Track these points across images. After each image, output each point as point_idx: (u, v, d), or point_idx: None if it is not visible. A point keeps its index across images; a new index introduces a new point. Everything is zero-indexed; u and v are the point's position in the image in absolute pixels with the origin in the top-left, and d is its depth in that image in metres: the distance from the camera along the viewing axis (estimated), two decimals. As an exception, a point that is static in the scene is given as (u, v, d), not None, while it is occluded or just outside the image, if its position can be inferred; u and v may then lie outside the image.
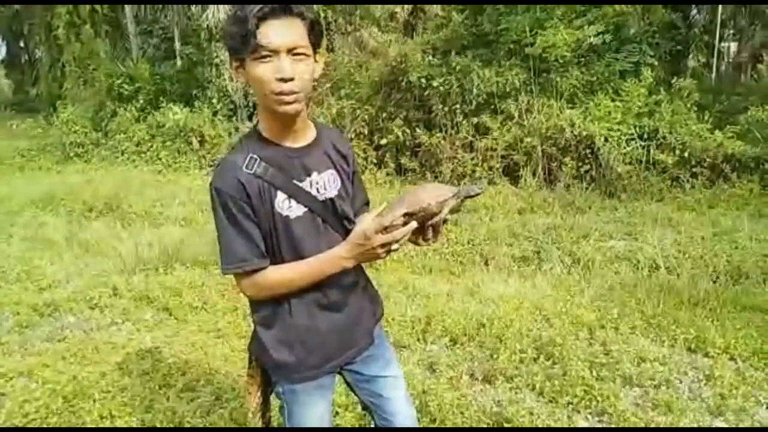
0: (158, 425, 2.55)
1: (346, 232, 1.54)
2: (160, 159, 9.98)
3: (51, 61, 18.36)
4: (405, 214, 1.42)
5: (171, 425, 2.57)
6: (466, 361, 3.12)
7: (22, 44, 25.02)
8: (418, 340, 3.41)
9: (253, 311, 1.61)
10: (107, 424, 2.58)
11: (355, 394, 1.79)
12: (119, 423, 2.58)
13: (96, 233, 6.25)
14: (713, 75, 14.61)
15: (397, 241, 1.43)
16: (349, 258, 1.47)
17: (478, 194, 1.51)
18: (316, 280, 1.49)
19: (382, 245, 1.43)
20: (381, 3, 9.22)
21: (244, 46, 1.35)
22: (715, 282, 4.75)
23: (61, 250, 5.61)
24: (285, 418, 1.63)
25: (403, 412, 1.74)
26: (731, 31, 18.42)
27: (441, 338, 3.37)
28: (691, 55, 16.35)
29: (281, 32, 1.35)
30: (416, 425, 1.80)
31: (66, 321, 3.85)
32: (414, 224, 1.43)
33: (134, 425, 2.56)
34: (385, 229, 1.42)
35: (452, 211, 1.48)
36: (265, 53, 1.35)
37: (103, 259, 5.22)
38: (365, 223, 1.46)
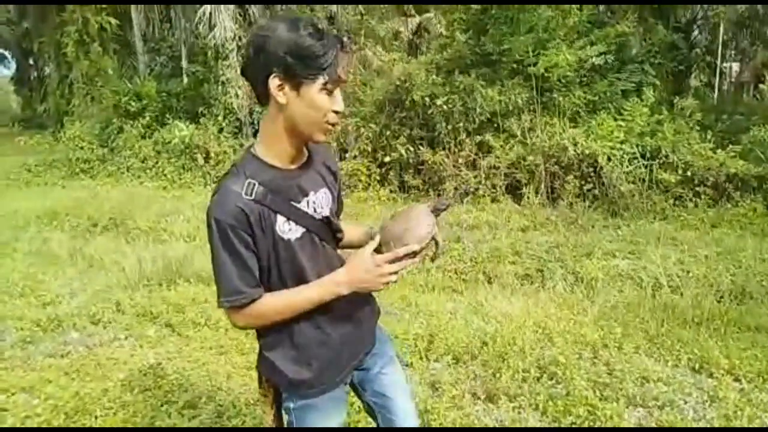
0: (159, 442, 2.55)
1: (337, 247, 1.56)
2: (165, 175, 10.05)
3: (59, 78, 18.61)
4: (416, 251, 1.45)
5: (172, 442, 2.56)
6: (468, 379, 3.11)
7: (31, 61, 25.36)
8: (421, 358, 3.40)
9: (259, 336, 1.58)
10: (108, 440, 2.58)
11: (360, 398, 1.78)
12: (120, 440, 2.57)
13: (100, 248, 6.28)
14: (715, 95, 14.69)
15: (397, 272, 1.45)
16: (347, 286, 1.46)
17: (447, 207, 1.57)
18: (313, 308, 1.47)
19: (384, 275, 1.44)
20: (387, 3, 9.30)
21: (317, 71, 1.32)
22: (719, 301, 4.73)
23: (65, 265, 5.64)
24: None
25: (406, 411, 1.73)
26: (733, 52, 18.56)
27: (444, 356, 3.36)
28: (693, 75, 16.46)
29: (349, 67, 1.37)
30: (417, 423, 1.79)
31: (69, 336, 3.86)
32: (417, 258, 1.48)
33: (135, 442, 2.56)
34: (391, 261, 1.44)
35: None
36: (332, 85, 1.36)
37: (107, 275, 5.24)
38: (367, 252, 1.46)
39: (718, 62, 15.07)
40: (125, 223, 7.34)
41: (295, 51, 1.31)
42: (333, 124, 1.40)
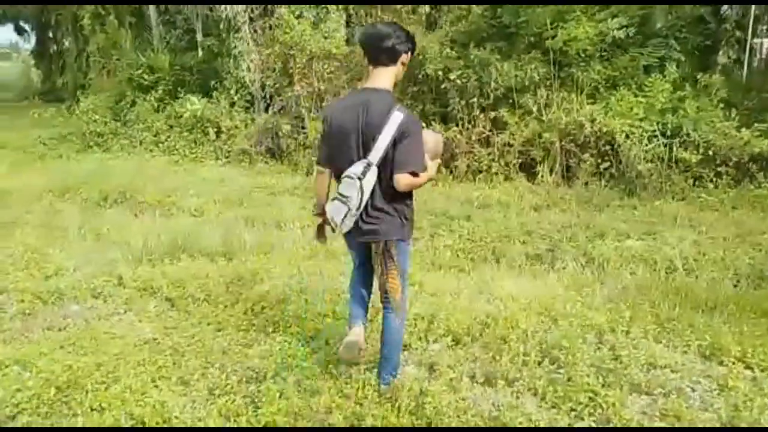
0: (147, 420, 2.51)
1: None
2: (177, 149, 10.01)
3: (77, 52, 18.64)
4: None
5: (159, 420, 2.52)
6: (467, 362, 3.02)
7: (50, 35, 25.40)
8: (420, 339, 3.32)
9: (406, 201, 2.60)
10: (96, 416, 2.55)
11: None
12: (108, 415, 2.54)
13: (108, 222, 6.28)
14: (744, 72, 14.15)
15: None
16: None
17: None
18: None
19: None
20: (388, 3, 9.05)
21: (413, 49, 2.61)
22: (735, 286, 4.57)
23: (73, 238, 5.64)
24: (402, 262, 2.64)
25: None
26: (765, 27, 17.81)
27: (443, 338, 3.27)
28: (721, 51, 15.86)
29: None
30: None
31: (69, 309, 3.85)
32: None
33: (122, 419, 2.53)
34: None
35: None
36: None
37: (113, 248, 5.22)
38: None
39: (749, 38, 14.49)
40: (135, 197, 7.34)
41: (412, 41, 2.62)
42: None
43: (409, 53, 2.57)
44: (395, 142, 2.41)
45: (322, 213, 2.78)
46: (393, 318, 2.68)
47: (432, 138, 2.71)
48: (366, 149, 2.46)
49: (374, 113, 2.44)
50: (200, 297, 3.97)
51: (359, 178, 2.43)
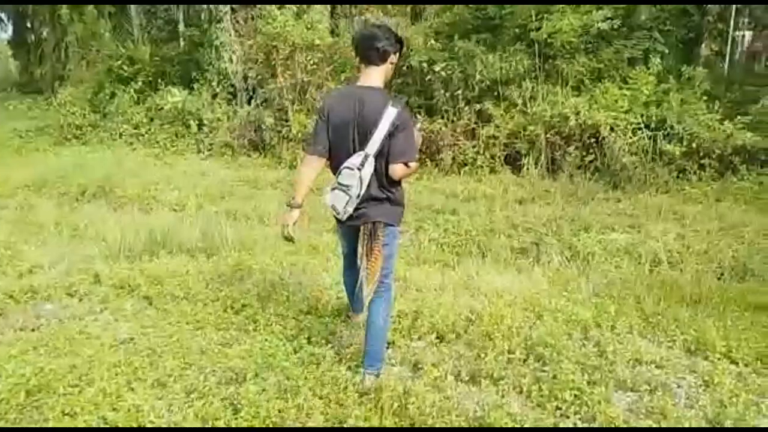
0: (121, 424, 2.42)
1: None
2: (157, 142, 9.83)
3: (55, 42, 18.21)
4: None
5: (134, 424, 2.44)
6: (452, 359, 2.97)
7: (28, 24, 24.81)
8: (404, 336, 3.26)
9: (396, 187, 2.78)
10: (68, 421, 2.46)
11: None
12: (81, 420, 2.45)
13: (86, 217, 6.13)
14: (726, 64, 14.23)
15: None
16: None
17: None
18: None
19: None
20: (384, 3, 8.92)
21: (401, 49, 2.82)
22: (719, 278, 4.58)
23: (49, 235, 5.49)
24: (389, 247, 2.80)
25: None
26: (746, 20, 17.94)
27: (427, 335, 3.21)
28: (704, 44, 15.94)
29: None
30: None
31: (42, 309, 3.73)
32: None
33: (94, 424, 2.43)
34: None
35: None
36: None
37: (90, 245, 5.09)
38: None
39: (730, 30, 14.57)
40: (113, 191, 7.18)
41: (400, 42, 2.81)
42: None
43: (397, 54, 2.80)
44: (390, 135, 2.62)
45: (299, 206, 2.83)
46: (378, 307, 2.81)
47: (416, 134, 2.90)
48: (362, 141, 2.66)
49: (370, 108, 2.64)
50: (179, 295, 3.86)
51: (359, 168, 2.63)
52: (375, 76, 2.73)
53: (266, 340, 3.23)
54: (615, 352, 3.00)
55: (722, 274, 4.63)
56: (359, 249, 2.80)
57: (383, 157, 2.64)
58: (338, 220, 2.84)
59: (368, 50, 2.69)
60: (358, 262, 2.82)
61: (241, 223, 6.10)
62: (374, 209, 2.73)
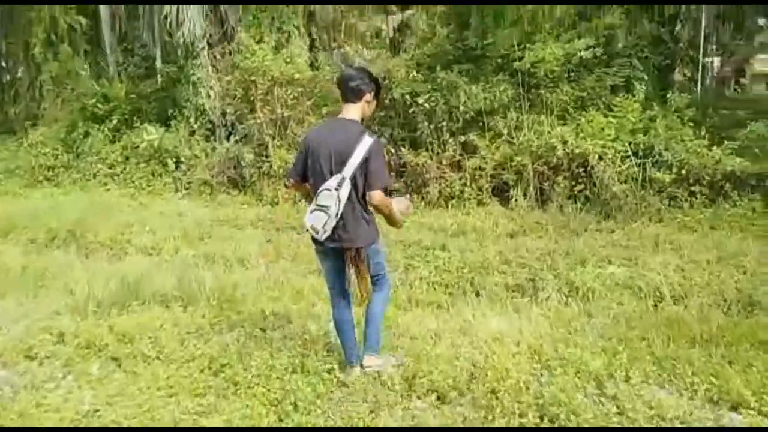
0: None
1: None
2: (133, 182, 9.49)
3: (29, 81, 17.88)
4: None
5: None
6: (456, 424, 2.67)
7: (2, 63, 24.48)
8: (402, 396, 2.95)
9: (369, 210, 3.03)
10: None
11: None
12: None
13: (55, 265, 5.77)
14: (699, 89, 14.45)
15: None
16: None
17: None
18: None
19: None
20: (379, 3, 8.80)
21: (377, 90, 3.14)
22: (726, 313, 4.36)
23: (12, 286, 5.10)
24: (372, 260, 3.09)
25: None
26: (714, 46, 18.39)
27: (427, 395, 2.91)
28: (676, 70, 16.22)
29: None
30: None
31: (-3, 376, 3.36)
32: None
33: None
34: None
35: None
36: None
37: (56, 297, 4.73)
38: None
39: (701, 57, 14.87)
40: (85, 236, 6.81)
41: (377, 84, 3.18)
42: None
43: (372, 93, 3.10)
44: (366, 161, 2.89)
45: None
46: (377, 299, 3.20)
47: (404, 204, 3.27)
48: (339, 167, 2.93)
49: (347, 136, 2.95)
50: (151, 355, 3.52)
51: (336, 189, 2.89)
52: (352, 112, 3.07)
53: (247, 405, 2.91)
54: (634, 409, 2.73)
55: (729, 308, 4.42)
56: (348, 273, 3.07)
57: (358, 182, 2.93)
58: (317, 242, 3.07)
59: (345, 89, 3.07)
60: (346, 285, 3.10)
61: (219, 267, 5.79)
62: (354, 233, 2.98)
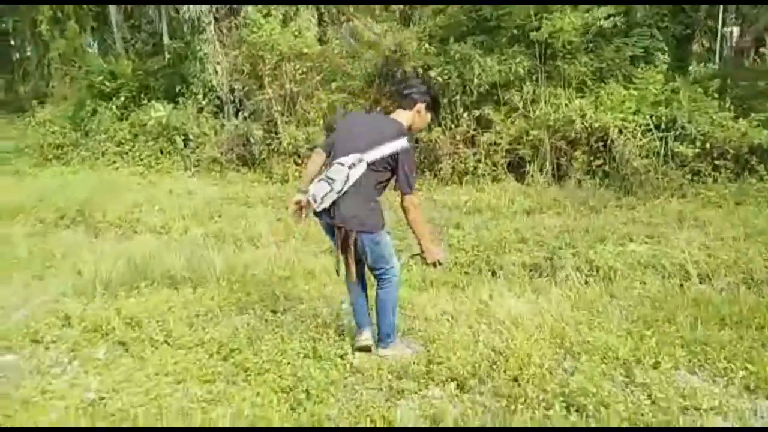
0: None
1: None
2: (142, 160, 9.37)
3: (38, 59, 17.75)
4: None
5: None
6: (477, 415, 2.53)
7: (12, 42, 24.34)
8: (418, 383, 2.82)
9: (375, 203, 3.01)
10: None
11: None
12: None
13: (63, 246, 5.68)
14: (717, 60, 13.99)
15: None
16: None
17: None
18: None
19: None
20: (385, 3, 8.47)
21: (432, 104, 3.15)
22: (756, 293, 4.17)
23: (20, 268, 5.03)
24: (371, 251, 3.00)
25: None
26: (733, 16, 17.76)
27: (446, 383, 2.77)
28: (695, 40, 15.71)
29: None
30: None
31: (2, 360, 3.27)
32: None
33: None
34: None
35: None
36: None
37: (63, 279, 4.63)
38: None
39: (720, 27, 14.38)
40: (93, 216, 6.71)
41: (436, 100, 3.26)
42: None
43: (424, 104, 3.08)
44: (394, 159, 2.90)
45: (303, 192, 3.06)
46: (380, 297, 3.11)
47: (442, 254, 3.22)
48: (364, 150, 2.88)
49: (384, 130, 2.97)
50: (159, 339, 3.41)
51: (350, 167, 2.85)
52: (402, 116, 3.07)
53: (258, 393, 2.79)
54: (667, 398, 2.57)
55: (758, 288, 4.22)
56: (335, 249, 3.05)
57: (376, 171, 2.91)
58: (315, 213, 3.03)
59: (398, 94, 3.19)
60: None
61: (229, 247, 5.66)
62: (348, 214, 2.91)
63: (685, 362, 2.98)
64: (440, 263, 3.19)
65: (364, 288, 3.27)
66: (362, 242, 2.97)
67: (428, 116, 3.15)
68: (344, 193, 2.86)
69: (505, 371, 2.80)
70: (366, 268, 3.19)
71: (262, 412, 2.58)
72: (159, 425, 2.55)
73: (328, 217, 2.97)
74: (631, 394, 2.65)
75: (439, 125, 7.71)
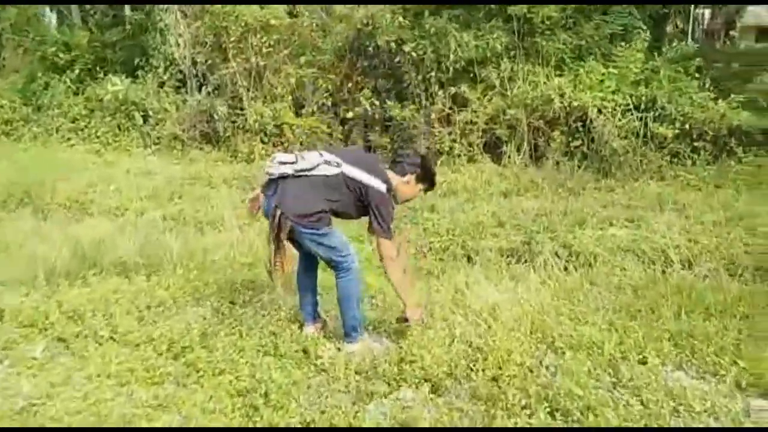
0: None
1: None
2: (98, 137, 8.83)
3: (-9, 30, 16.72)
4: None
5: None
6: (453, 420, 2.30)
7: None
8: (389, 384, 2.57)
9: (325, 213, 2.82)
10: None
11: None
12: None
13: (7, 230, 5.24)
14: (689, 41, 14.01)
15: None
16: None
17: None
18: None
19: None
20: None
21: (426, 180, 3.06)
22: (738, 280, 4.04)
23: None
24: (330, 238, 2.83)
25: None
26: (704, -3, 17.82)
27: (419, 385, 2.53)
28: (669, 21, 15.70)
29: None
30: None
31: None
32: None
33: None
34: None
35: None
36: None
37: (2, 269, 4.23)
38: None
39: (692, 9, 14.40)
40: (43, 197, 6.25)
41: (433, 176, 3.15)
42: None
43: (414, 176, 2.98)
44: (366, 193, 2.80)
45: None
46: (339, 287, 2.92)
47: (417, 313, 2.99)
48: (349, 163, 2.83)
49: (376, 168, 2.90)
50: (103, 334, 3.08)
51: (325, 161, 2.79)
52: (391, 174, 2.94)
53: (211, 397, 2.50)
54: (657, 400, 2.36)
55: (741, 275, 4.09)
56: (268, 236, 2.83)
57: (345, 187, 2.80)
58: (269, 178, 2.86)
59: (392, 162, 3.05)
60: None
61: (190, 230, 5.32)
62: (290, 201, 2.75)
63: (672, 358, 2.80)
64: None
65: (312, 281, 3.13)
66: (305, 241, 2.81)
67: (417, 188, 3.03)
68: (300, 177, 2.75)
69: (483, 370, 2.56)
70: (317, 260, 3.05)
71: (213, 419, 2.30)
72: (95, 438, 2.25)
73: (271, 192, 2.82)
74: (618, 393, 2.44)
75: (414, 103, 7.41)
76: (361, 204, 2.82)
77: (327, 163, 2.78)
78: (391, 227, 2.85)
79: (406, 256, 3.91)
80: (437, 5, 7.71)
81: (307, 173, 2.76)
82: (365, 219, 2.90)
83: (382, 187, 2.81)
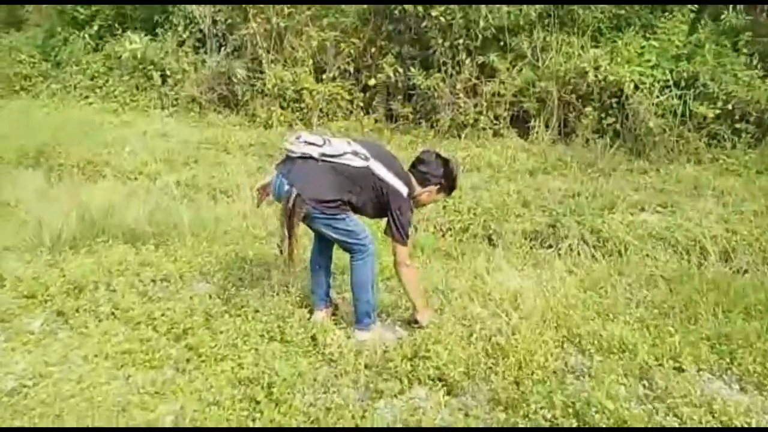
0: None
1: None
2: (116, 96, 8.65)
3: (12, -19, 16.52)
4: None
5: None
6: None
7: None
8: (400, 380, 2.40)
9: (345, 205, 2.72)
10: None
11: None
12: None
13: (17, 192, 5.15)
14: (730, 13, 13.18)
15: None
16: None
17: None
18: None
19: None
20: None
21: (446, 187, 2.94)
22: (782, 277, 3.76)
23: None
24: (347, 223, 2.72)
25: None
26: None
27: (433, 385, 2.35)
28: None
29: None
30: None
31: None
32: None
33: None
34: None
35: None
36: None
37: (10, 230, 4.13)
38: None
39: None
40: (57, 157, 6.14)
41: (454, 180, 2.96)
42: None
43: (438, 188, 2.89)
44: (386, 195, 2.69)
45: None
46: (353, 272, 2.80)
47: (428, 314, 2.88)
48: (377, 159, 2.72)
49: (399, 169, 2.79)
50: (104, 310, 2.96)
51: (353, 152, 2.68)
52: (414, 182, 2.82)
53: (211, 386, 2.36)
54: (695, 414, 2.15)
55: (784, 271, 3.82)
56: (281, 219, 2.72)
57: (365, 182, 2.69)
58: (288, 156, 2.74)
59: (414, 167, 2.87)
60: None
61: (203, 198, 5.17)
62: (306, 182, 2.63)
63: (710, 364, 2.57)
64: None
65: (327, 261, 3.03)
66: (320, 226, 2.72)
67: (439, 196, 3.00)
68: (323, 162, 2.63)
69: (504, 371, 2.36)
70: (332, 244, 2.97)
71: (211, 413, 2.15)
72: (83, 425, 2.12)
73: (287, 171, 2.68)
74: (651, 405, 2.23)
75: (439, 71, 7.06)
76: (379, 204, 2.72)
77: (354, 153, 2.68)
78: (409, 233, 2.76)
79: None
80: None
81: (332, 159, 2.65)
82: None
83: (404, 191, 2.73)
